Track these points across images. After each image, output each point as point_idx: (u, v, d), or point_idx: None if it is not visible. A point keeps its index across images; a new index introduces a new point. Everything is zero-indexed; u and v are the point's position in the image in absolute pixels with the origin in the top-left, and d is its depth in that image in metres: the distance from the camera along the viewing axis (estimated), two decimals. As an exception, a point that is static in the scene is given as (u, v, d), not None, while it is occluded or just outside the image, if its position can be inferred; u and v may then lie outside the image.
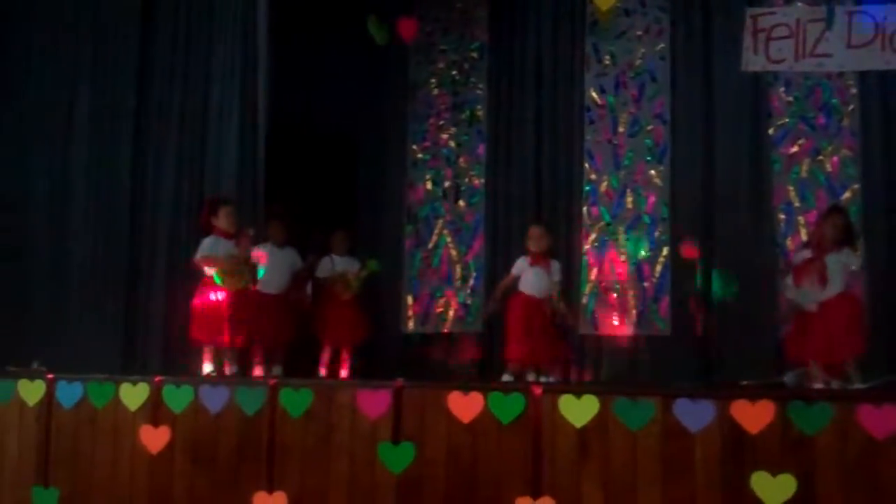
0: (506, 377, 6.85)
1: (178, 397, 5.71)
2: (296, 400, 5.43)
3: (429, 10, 8.96)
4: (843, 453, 4.47)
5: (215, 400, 5.61)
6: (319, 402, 5.40)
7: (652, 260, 8.08)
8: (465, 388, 5.12)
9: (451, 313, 8.63)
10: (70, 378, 6.03)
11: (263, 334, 6.91)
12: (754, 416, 4.56)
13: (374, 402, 5.27)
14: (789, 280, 7.27)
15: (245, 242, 6.75)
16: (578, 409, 4.87)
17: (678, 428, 4.68)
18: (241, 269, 6.69)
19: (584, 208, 8.32)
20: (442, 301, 8.67)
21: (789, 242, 7.74)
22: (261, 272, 6.89)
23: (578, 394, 4.90)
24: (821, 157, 7.82)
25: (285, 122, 7.99)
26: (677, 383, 5.77)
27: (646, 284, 8.06)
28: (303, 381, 5.64)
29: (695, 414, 4.66)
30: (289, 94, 8.14)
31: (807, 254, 6.27)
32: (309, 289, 7.60)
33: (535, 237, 7.08)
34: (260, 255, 6.96)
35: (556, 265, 7.14)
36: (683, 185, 8.08)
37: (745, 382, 5.65)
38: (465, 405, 5.09)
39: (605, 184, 8.33)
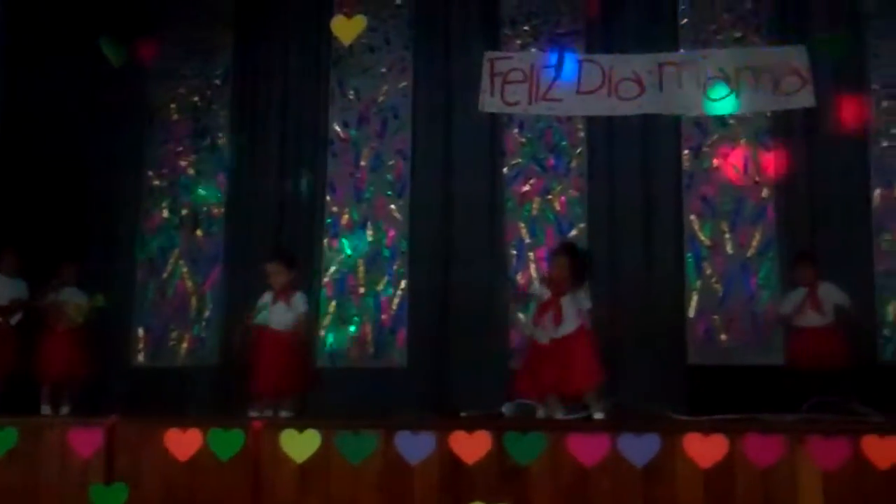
0: (253, 413, 6.64)
1: None
2: (-2, 439, 5.07)
3: (171, 33, 8.71)
4: (555, 481, 4.62)
5: None
6: (25, 440, 5.12)
7: (390, 293, 8.13)
8: (183, 425, 4.94)
9: (184, 346, 8.35)
10: None
11: None
12: (471, 446, 4.65)
13: (85, 440, 5.02)
14: (522, 316, 7.57)
15: None
16: (300, 444, 4.81)
17: (398, 461, 4.71)
18: None
19: (325, 240, 8.29)
20: (175, 334, 8.38)
21: (520, 277, 8.02)
22: None
23: (300, 428, 4.83)
24: (550, 197, 8.16)
25: (12, 147, 7.59)
26: (400, 415, 5.79)
27: (384, 317, 8.10)
28: (6, 420, 5.27)
29: (415, 446, 4.71)
30: (16, 118, 7.70)
31: (545, 292, 6.45)
32: (16, 318, 7.10)
33: (271, 273, 6.95)
34: None
35: (297, 297, 6.97)
36: (422, 220, 8.20)
37: (464, 414, 5.75)
38: (182, 442, 4.94)
39: (346, 217, 8.34)
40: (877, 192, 7.78)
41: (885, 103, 7.91)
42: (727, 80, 7.87)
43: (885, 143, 7.85)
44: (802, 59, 7.79)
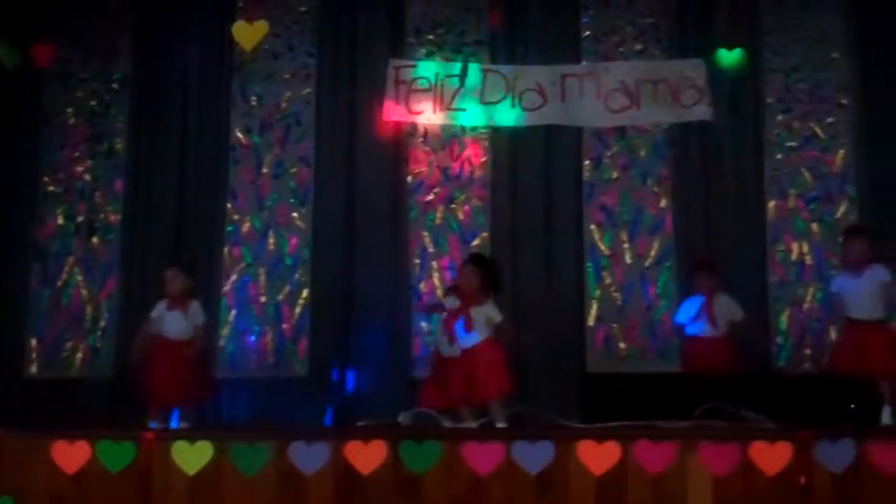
0: (153, 425, 6.55)
1: None
2: None
3: (69, 35, 8.46)
4: (450, 490, 4.60)
5: None
6: None
7: (291, 301, 8.05)
8: (71, 437, 4.80)
9: (79, 357, 8.12)
10: None
11: None
12: (366, 456, 4.61)
13: (-32, 453, 4.82)
14: (424, 325, 7.58)
15: None
16: (192, 456, 4.70)
17: (292, 471, 4.63)
18: None
19: (226, 249, 8.16)
20: (70, 344, 8.14)
21: (423, 286, 8.01)
22: None
23: (192, 440, 4.74)
24: (454, 206, 8.16)
25: None
26: (294, 426, 5.74)
27: (285, 326, 8.01)
28: None
29: (309, 457, 4.64)
30: None
31: (455, 302, 6.48)
32: None
33: (168, 279, 6.89)
34: None
35: (195, 307, 6.94)
36: (325, 229, 8.14)
37: (360, 423, 5.72)
38: (70, 455, 4.76)
39: (247, 224, 8.22)
40: (771, 204, 7.99)
41: (779, 117, 8.12)
42: (627, 92, 8.06)
43: (779, 156, 8.06)
44: (700, 72, 8.02)
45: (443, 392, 6.41)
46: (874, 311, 6.32)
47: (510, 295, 7.72)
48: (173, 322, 6.88)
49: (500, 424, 5.93)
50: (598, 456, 4.60)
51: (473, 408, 6.29)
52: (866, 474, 4.58)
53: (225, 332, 8.01)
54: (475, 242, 8.05)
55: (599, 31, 8.32)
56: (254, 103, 8.42)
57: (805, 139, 8.07)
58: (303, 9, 8.48)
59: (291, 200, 8.24)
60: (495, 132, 8.23)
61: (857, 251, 6.46)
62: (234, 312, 8.07)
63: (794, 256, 7.92)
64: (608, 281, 7.95)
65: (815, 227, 7.95)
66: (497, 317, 6.36)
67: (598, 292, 7.93)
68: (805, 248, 7.92)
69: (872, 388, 5.80)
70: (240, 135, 8.36)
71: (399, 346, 7.86)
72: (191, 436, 4.78)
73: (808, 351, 7.78)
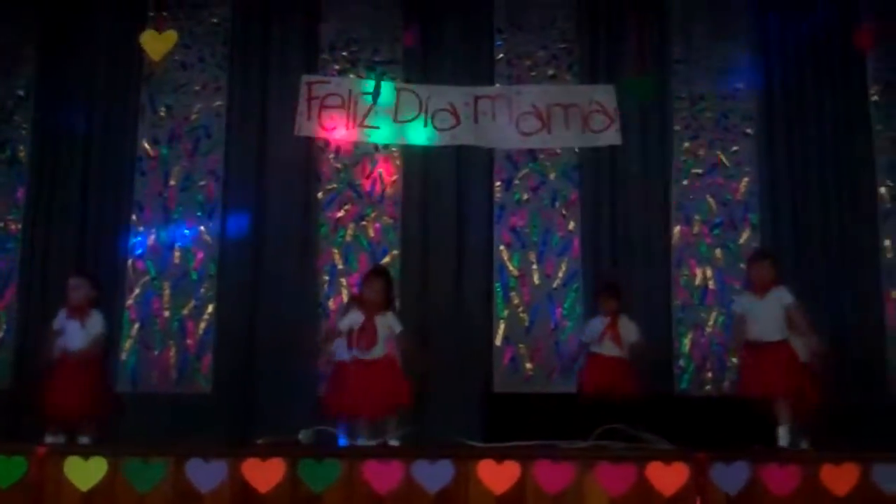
0: (49, 439, 6.36)
1: None
2: None
3: (-30, 40, 8.26)
4: (349, 509, 4.58)
5: None
6: None
7: (196, 317, 7.92)
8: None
9: (-27, 367, 7.87)
10: None
11: None
12: (265, 474, 4.57)
13: None
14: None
15: None
16: (85, 472, 4.61)
17: (188, 489, 4.57)
18: None
19: (130, 261, 8.00)
20: (-35, 355, 7.89)
21: (331, 303, 7.96)
22: None
23: (86, 455, 4.63)
24: (364, 223, 8.14)
25: None
26: (192, 442, 5.65)
27: (189, 342, 7.88)
28: None
29: (206, 474, 4.58)
30: None
31: (358, 317, 6.47)
32: None
33: (72, 288, 6.70)
34: None
35: (94, 317, 6.75)
36: (233, 243, 8.04)
37: (260, 441, 5.64)
38: (-41, 470, 4.63)
39: (153, 237, 8.07)
40: (676, 229, 8.13)
41: (686, 144, 8.28)
42: (539, 115, 8.15)
43: (685, 182, 8.22)
44: (610, 98, 8.15)
45: (344, 400, 6.39)
46: (776, 332, 6.43)
47: (419, 313, 7.73)
48: (72, 332, 6.67)
49: (393, 442, 5.90)
50: (497, 475, 4.62)
51: (371, 419, 6.27)
52: (760, 495, 4.69)
53: (127, 346, 7.84)
54: (385, 260, 8.02)
55: (513, 54, 8.40)
56: (163, 114, 8.28)
57: (710, 166, 8.23)
58: (215, 20, 8.39)
59: (199, 214, 8.12)
60: (407, 150, 8.24)
61: (762, 275, 6.57)
62: (136, 326, 7.90)
63: (697, 281, 8.06)
64: (516, 301, 8.00)
65: (718, 252, 8.11)
66: (398, 327, 6.38)
67: (506, 312, 7.97)
68: (708, 272, 8.07)
69: (768, 409, 5.94)
70: (147, 146, 8.22)
71: (304, 363, 7.75)
72: (84, 451, 4.68)
73: (709, 374, 7.92)
